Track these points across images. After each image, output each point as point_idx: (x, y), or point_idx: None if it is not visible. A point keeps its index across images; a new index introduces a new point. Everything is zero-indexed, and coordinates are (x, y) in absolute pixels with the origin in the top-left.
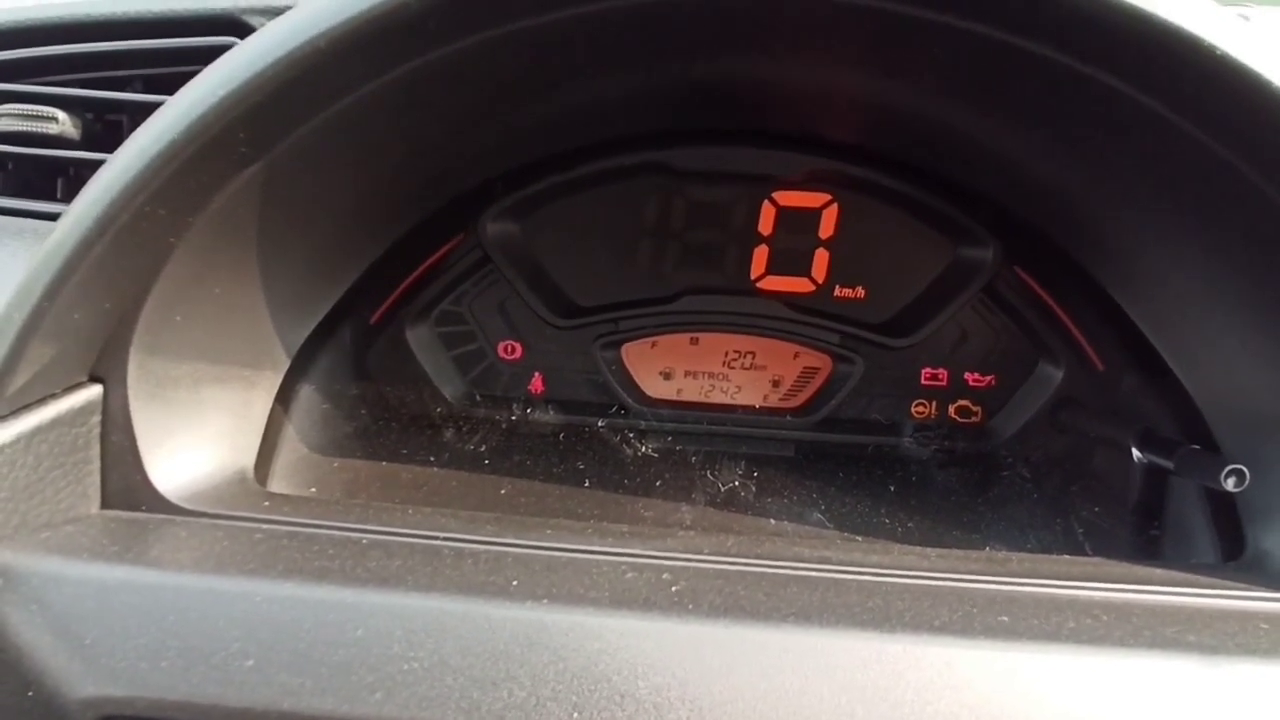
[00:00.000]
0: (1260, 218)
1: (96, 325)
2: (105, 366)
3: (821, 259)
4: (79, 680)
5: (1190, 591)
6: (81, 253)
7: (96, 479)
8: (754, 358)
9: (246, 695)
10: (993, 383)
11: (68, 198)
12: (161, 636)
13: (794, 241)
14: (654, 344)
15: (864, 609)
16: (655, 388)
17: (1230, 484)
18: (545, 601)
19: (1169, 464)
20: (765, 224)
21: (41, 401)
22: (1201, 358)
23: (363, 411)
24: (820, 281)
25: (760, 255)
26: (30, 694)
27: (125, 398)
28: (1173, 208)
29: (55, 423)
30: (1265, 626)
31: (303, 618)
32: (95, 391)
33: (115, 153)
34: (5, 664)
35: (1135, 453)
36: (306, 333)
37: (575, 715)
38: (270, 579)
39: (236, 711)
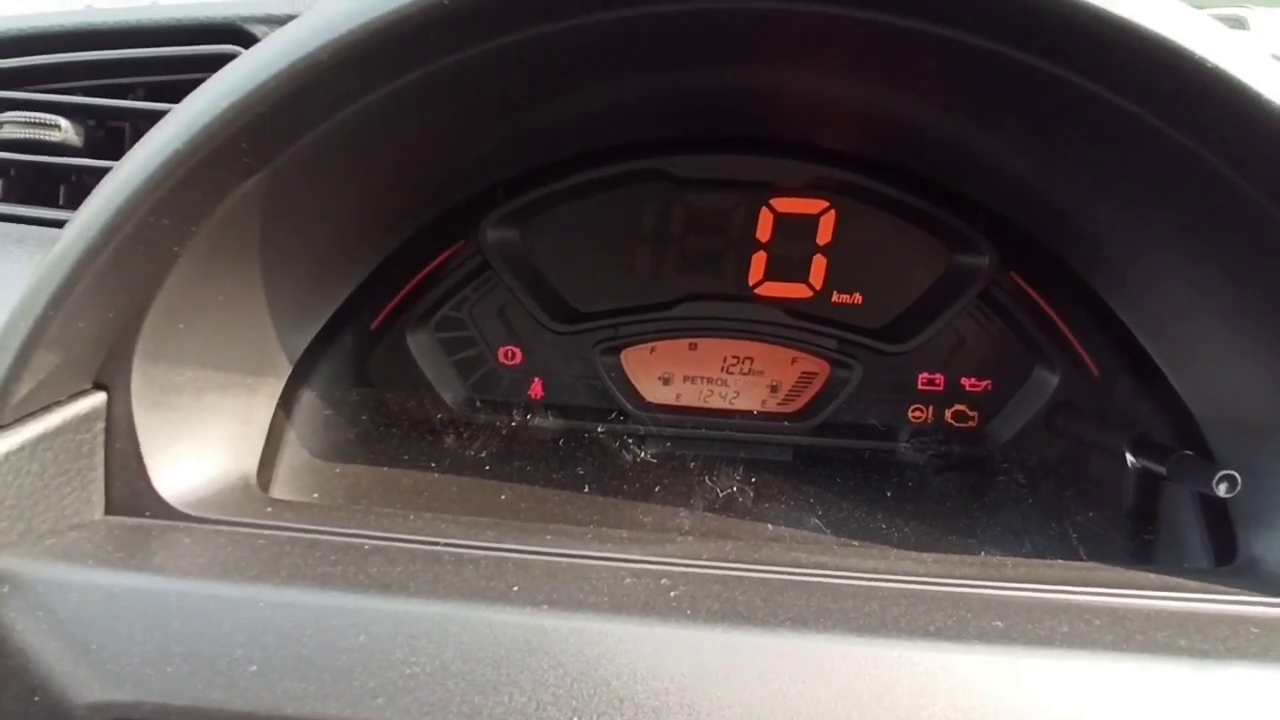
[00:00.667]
0: (1252, 225)
1: (100, 333)
2: (109, 374)
3: (819, 265)
4: (84, 686)
5: (1183, 596)
6: (86, 262)
7: (101, 486)
8: (752, 363)
9: (250, 700)
10: (989, 388)
11: (70, 204)
12: (166, 642)
13: (792, 248)
14: (653, 349)
15: (860, 614)
16: (654, 393)
17: (1223, 489)
18: (545, 607)
19: (1162, 469)
20: (764, 230)
21: (46, 409)
22: (1195, 364)
23: (364, 417)
24: (818, 287)
25: (758, 261)
26: (36, 699)
27: (129, 405)
28: (1166, 215)
29: (60, 430)
30: (1256, 630)
31: (305, 623)
32: (99, 399)
33: (119, 162)
34: (11, 669)
35: (1129, 458)
36: (308, 339)
37: (575, 719)
38: (273, 585)
39: (240, 716)
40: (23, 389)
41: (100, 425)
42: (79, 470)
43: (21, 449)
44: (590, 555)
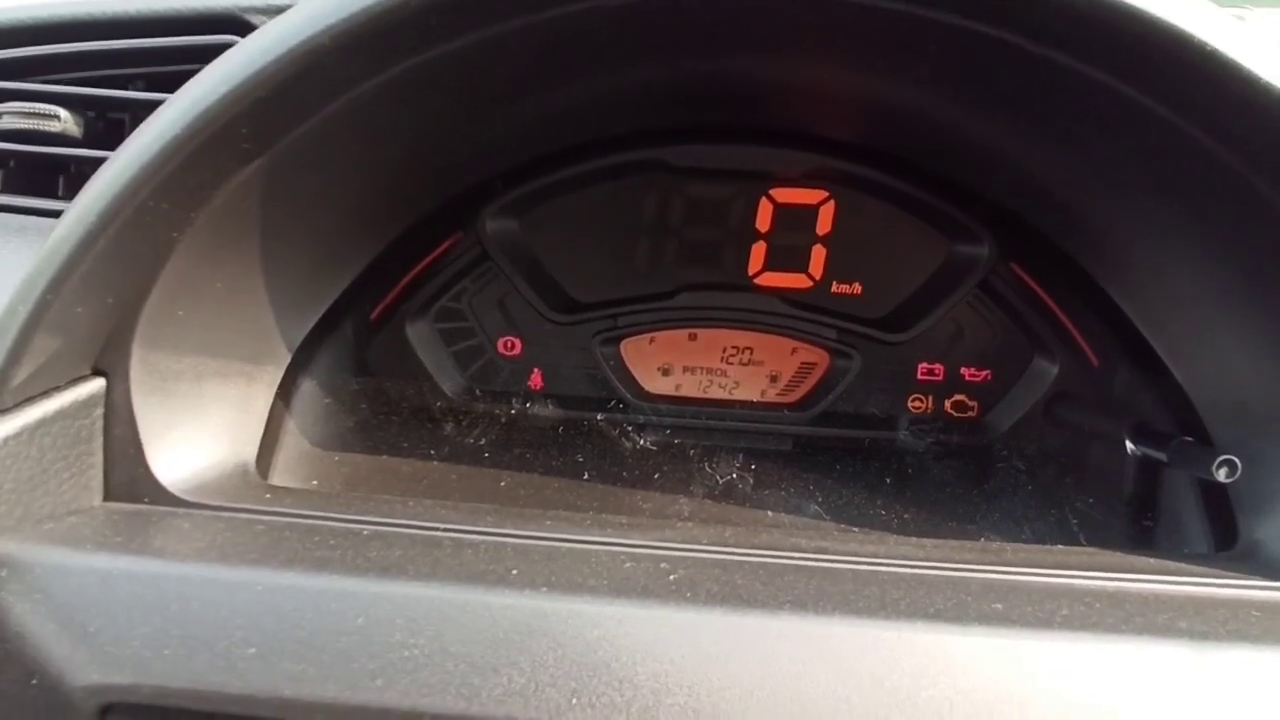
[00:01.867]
0: (1252, 212)
1: (100, 319)
2: (108, 360)
3: (819, 255)
4: (82, 668)
5: (1183, 580)
6: (85, 247)
7: (99, 471)
8: (752, 353)
9: (249, 682)
10: (988, 377)
11: (70, 195)
12: (164, 625)
13: (791, 238)
14: (652, 340)
15: (859, 597)
16: (654, 383)
17: (1222, 475)
18: (544, 589)
19: (1162, 456)
20: (763, 220)
21: (45, 394)
22: (1195, 351)
23: (363, 406)
24: (818, 278)
25: (758, 251)
26: (34, 682)
27: (128, 391)
28: (1167, 203)
29: (59, 415)
30: (1257, 614)
31: (304, 606)
32: (98, 385)
33: (119, 148)
34: (9, 653)
35: (1129, 445)
36: (308, 328)
37: (574, 701)
38: (272, 568)
39: (239, 698)
40: (21, 374)
41: (99, 411)
42: (78, 456)
43: (20, 434)
44: (589, 540)
